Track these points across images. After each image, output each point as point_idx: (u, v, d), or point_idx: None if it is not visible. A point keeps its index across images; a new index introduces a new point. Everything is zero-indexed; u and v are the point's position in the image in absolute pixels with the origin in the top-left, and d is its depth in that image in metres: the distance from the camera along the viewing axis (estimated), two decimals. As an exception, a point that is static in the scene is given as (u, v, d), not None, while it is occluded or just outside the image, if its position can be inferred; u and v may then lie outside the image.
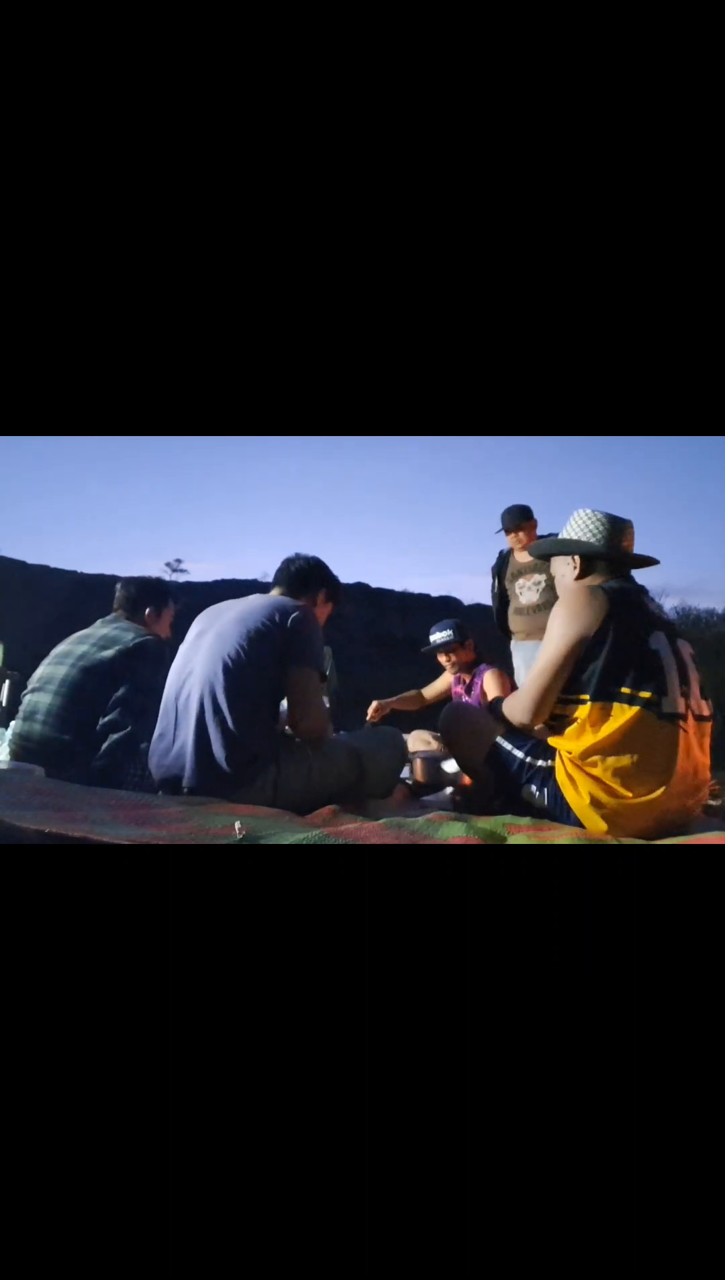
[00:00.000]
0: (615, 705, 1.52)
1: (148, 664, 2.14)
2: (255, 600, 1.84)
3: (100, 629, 2.27)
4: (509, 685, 3.14)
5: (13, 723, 2.23)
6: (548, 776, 1.62)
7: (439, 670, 3.36)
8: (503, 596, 3.85)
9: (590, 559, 1.70)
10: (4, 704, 3.35)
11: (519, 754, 1.69)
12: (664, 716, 1.51)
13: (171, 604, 2.42)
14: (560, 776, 1.59)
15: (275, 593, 1.93)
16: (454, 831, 1.35)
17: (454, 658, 3.25)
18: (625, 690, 1.52)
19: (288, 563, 1.97)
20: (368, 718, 3.07)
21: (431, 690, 3.36)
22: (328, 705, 1.98)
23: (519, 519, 3.66)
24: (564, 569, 1.75)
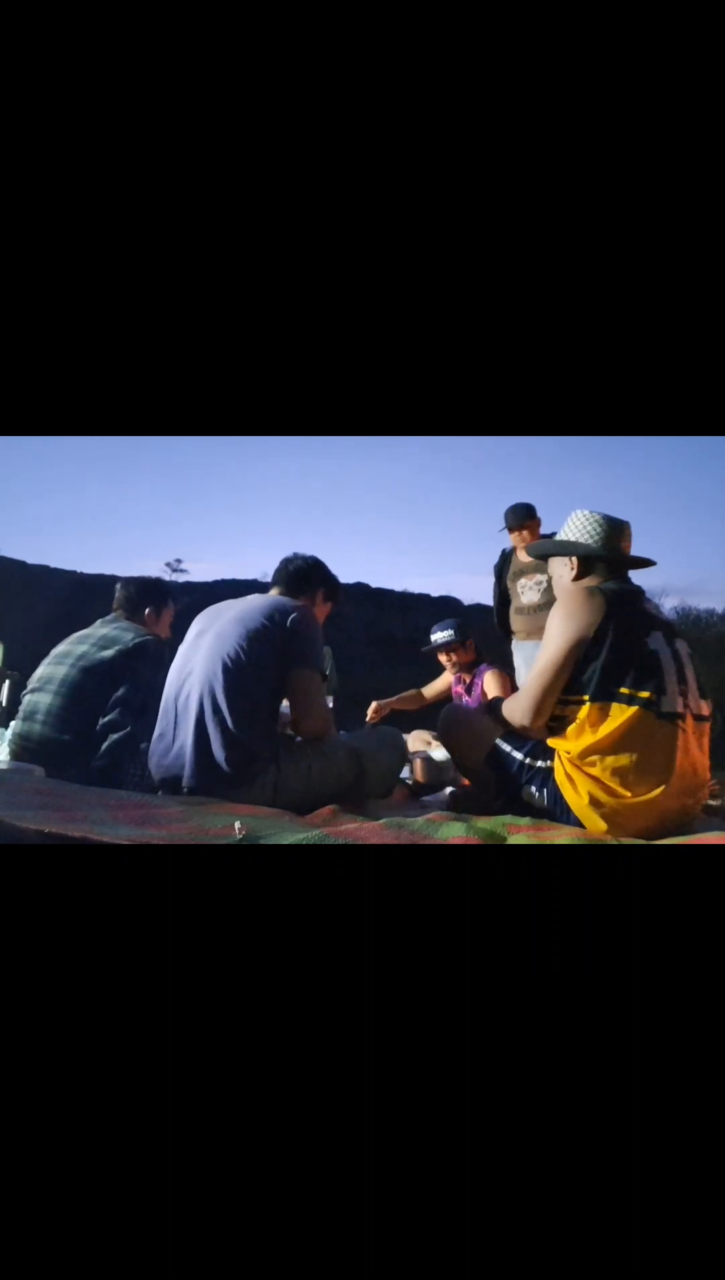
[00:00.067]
0: (614, 705, 1.52)
1: (147, 664, 2.14)
2: (254, 600, 1.84)
3: (100, 629, 2.27)
4: (509, 685, 3.14)
5: (13, 723, 2.23)
6: (547, 777, 1.62)
7: (439, 670, 3.36)
8: (504, 596, 3.85)
9: (588, 560, 1.71)
10: (4, 704, 3.35)
11: (518, 755, 1.69)
12: (663, 716, 1.52)
13: (171, 604, 2.42)
14: (559, 777, 1.59)
15: (274, 592, 1.93)
16: (454, 831, 1.35)
17: (454, 657, 3.25)
18: (624, 690, 1.52)
19: (286, 562, 1.97)
20: (367, 718, 3.07)
21: (431, 690, 3.35)
22: (331, 705, 1.98)
23: (522, 518, 3.65)
24: (562, 570, 1.75)
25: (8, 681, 3.40)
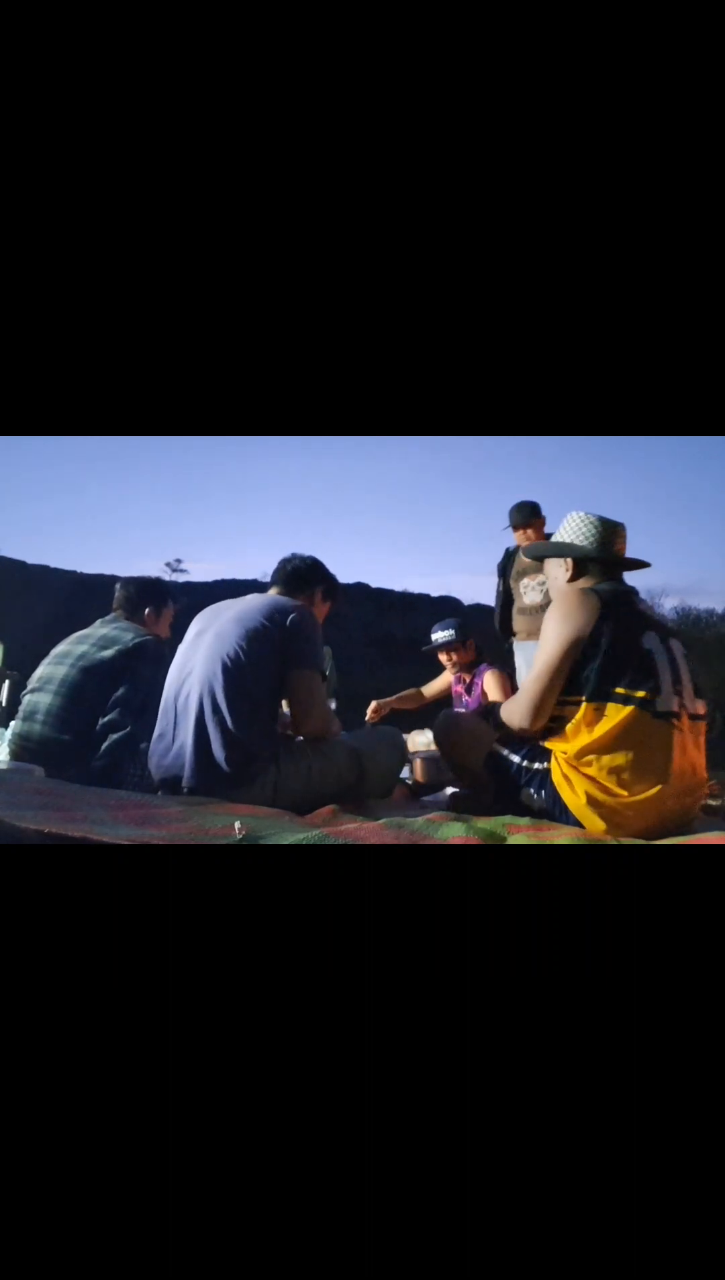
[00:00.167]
0: (610, 705, 1.53)
1: (147, 664, 2.14)
2: (254, 600, 1.84)
3: (100, 629, 2.27)
4: (509, 685, 3.14)
5: (13, 723, 2.23)
6: (545, 778, 1.63)
7: (439, 669, 3.36)
8: (507, 595, 3.83)
9: (582, 561, 1.72)
10: (4, 704, 3.35)
11: (515, 758, 1.70)
12: (659, 715, 1.52)
13: (171, 604, 2.42)
14: (557, 778, 1.60)
15: (273, 592, 1.93)
16: (454, 831, 1.35)
17: (455, 657, 3.25)
18: (620, 690, 1.53)
19: (284, 562, 1.98)
20: (367, 717, 3.07)
21: (431, 689, 3.36)
22: (333, 705, 1.98)
23: (527, 516, 3.63)
24: (557, 572, 1.76)
25: (8, 681, 3.41)
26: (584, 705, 1.55)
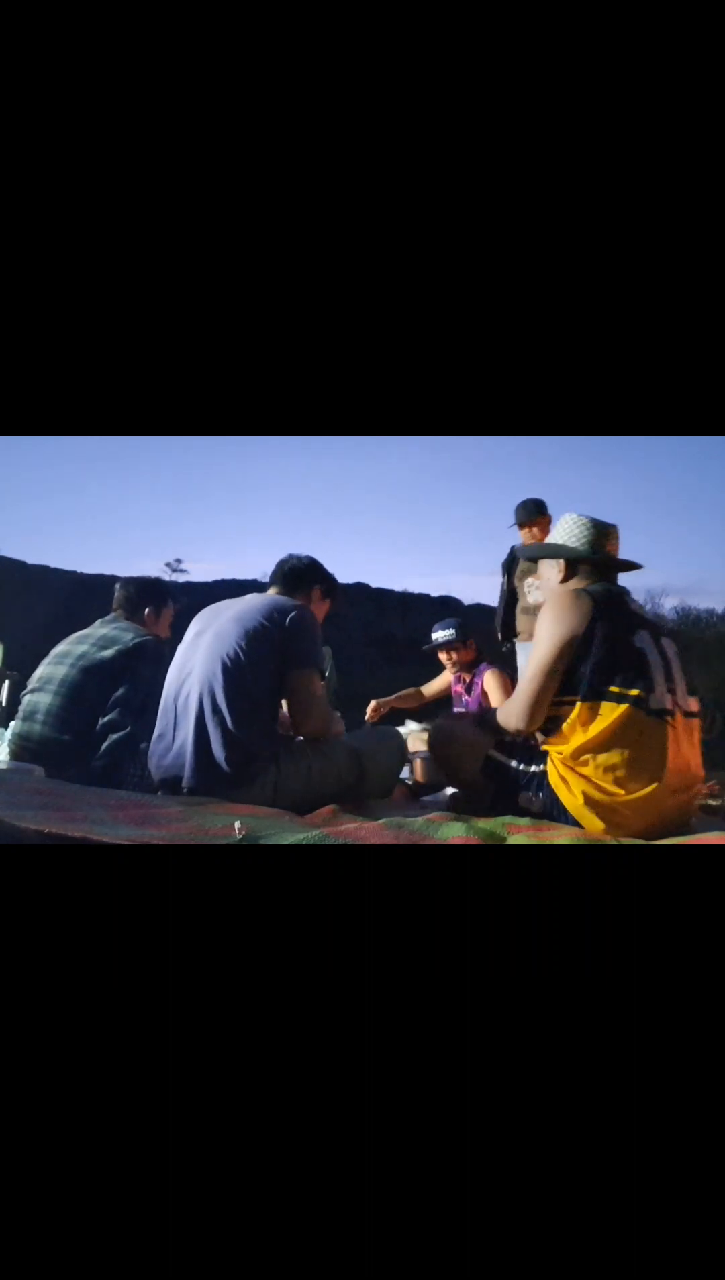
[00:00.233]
0: (604, 704, 1.54)
1: (147, 664, 2.14)
2: (253, 600, 1.84)
3: (100, 629, 2.27)
4: (510, 684, 3.14)
5: (12, 723, 2.23)
6: (542, 780, 1.64)
7: (438, 669, 3.36)
8: (512, 594, 3.81)
9: (574, 563, 1.74)
10: (4, 704, 3.35)
11: (512, 762, 1.71)
12: (652, 713, 1.54)
13: (171, 604, 2.42)
14: (554, 779, 1.61)
15: (272, 592, 1.94)
16: (454, 831, 1.35)
17: (455, 656, 3.25)
18: (614, 689, 1.54)
19: (282, 562, 1.98)
20: (367, 717, 3.07)
21: (430, 688, 3.36)
22: (333, 709, 1.98)
23: (532, 513, 3.60)
24: (550, 573, 1.78)
25: (8, 681, 3.41)
26: (579, 705, 1.56)
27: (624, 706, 1.52)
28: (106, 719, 2.10)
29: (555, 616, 1.61)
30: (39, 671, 2.23)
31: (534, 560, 1.87)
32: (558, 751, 1.60)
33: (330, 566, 2.02)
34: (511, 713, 1.68)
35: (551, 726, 1.64)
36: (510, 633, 3.83)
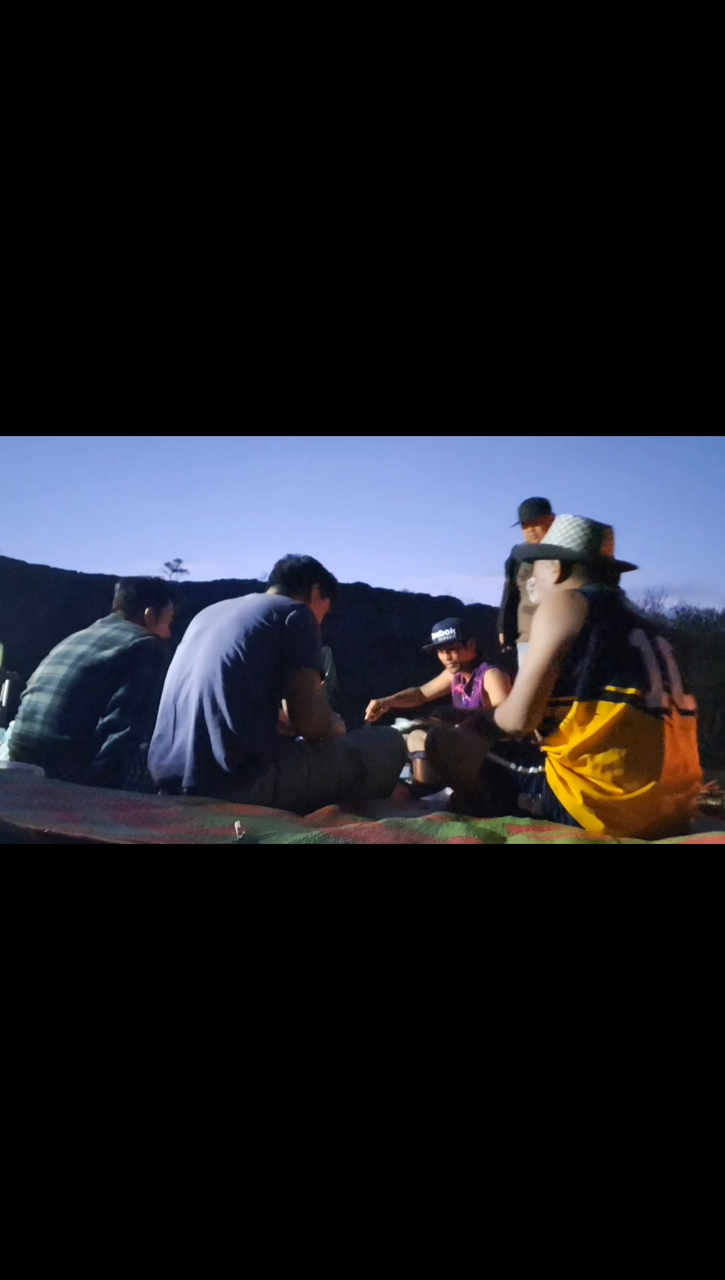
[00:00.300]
0: (601, 703, 1.55)
1: (147, 664, 2.14)
2: (252, 600, 1.84)
3: (100, 629, 2.27)
4: (510, 684, 3.14)
5: (12, 723, 2.23)
6: (541, 782, 1.64)
7: (438, 669, 3.36)
8: (514, 595, 3.80)
9: (569, 564, 1.75)
10: (4, 704, 3.35)
11: (509, 765, 1.72)
12: (649, 711, 1.54)
13: (171, 604, 2.42)
14: (552, 779, 1.61)
15: (271, 592, 1.94)
16: (454, 831, 1.35)
17: (455, 656, 3.25)
18: (610, 689, 1.55)
19: (281, 562, 1.99)
20: (366, 717, 3.07)
21: (430, 688, 3.35)
22: (333, 709, 1.98)
23: (536, 512, 3.58)
24: (545, 574, 1.79)
25: (8, 681, 3.41)
26: (576, 705, 1.57)
27: (621, 705, 1.53)
28: (106, 719, 2.10)
29: (550, 617, 1.62)
30: (39, 671, 2.24)
31: (530, 561, 1.88)
32: (555, 752, 1.61)
33: (330, 566, 2.02)
34: (508, 714, 1.68)
35: (549, 727, 1.64)
36: (513, 634, 3.82)
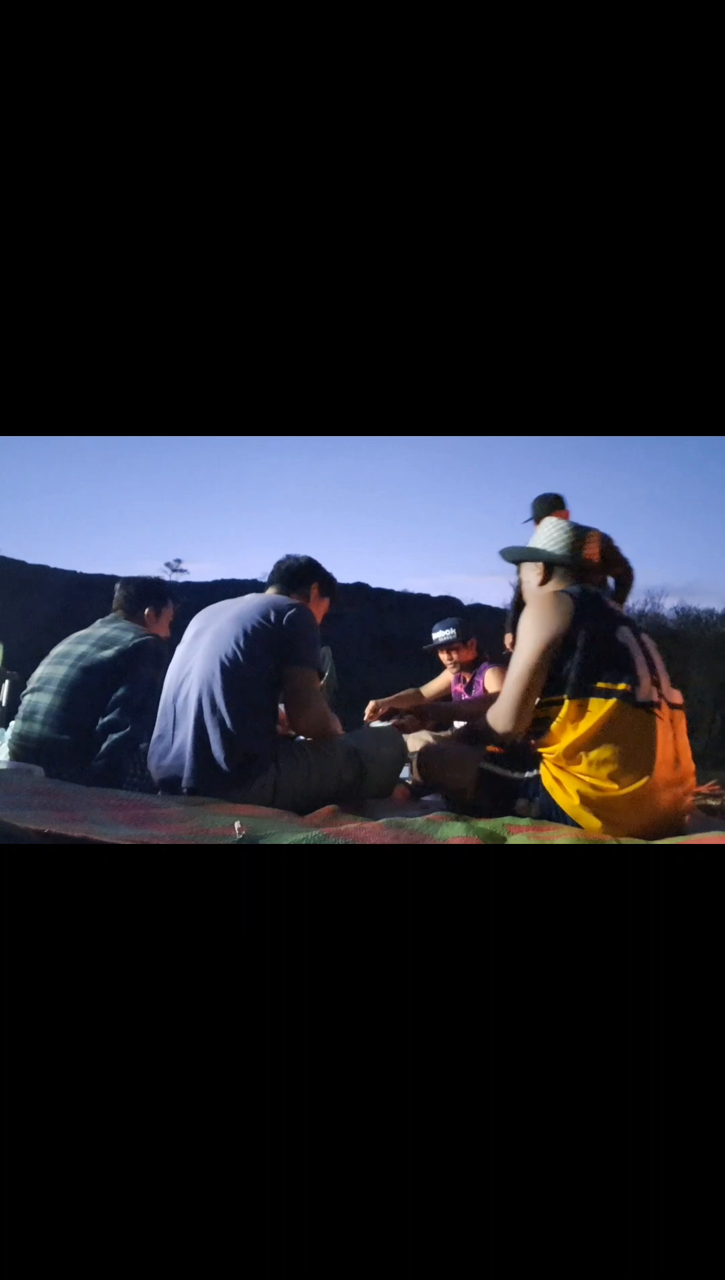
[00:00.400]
0: (593, 700, 1.57)
1: (147, 664, 2.14)
2: (251, 599, 1.84)
3: (100, 629, 2.27)
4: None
5: (12, 723, 2.23)
6: (536, 785, 1.65)
7: (438, 669, 3.36)
8: (522, 596, 3.77)
9: (552, 566, 1.78)
10: (4, 704, 3.35)
11: (505, 772, 1.72)
12: (639, 705, 1.56)
13: (171, 604, 2.42)
14: (548, 781, 1.61)
15: (270, 591, 1.94)
16: (454, 831, 1.35)
17: (456, 656, 3.25)
18: (602, 685, 1.57)
19: (281, 562, 1.99)
20: (366, 718, 3.07)
21: (430, 689, 3.35)
22: (333, 708, 1.98)
23: (550, 508, 3.55)
24: (530, 576, 1.83)
25: (8, 681, 3.41)
26: (567, 703, 1.58)
27: (612, 701, 1.55)
28: (106, 719, 2.10)
29: (536, 618, 1.64)
30: (39, 671, 2.24)
31: (517, 563, 1.91)
32: (549, 753, 1.62)
33: (330, 566, 2.02)
34: (498, 715, 1.70)
35: (541, 729, 1.65)
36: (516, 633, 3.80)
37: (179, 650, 1.85)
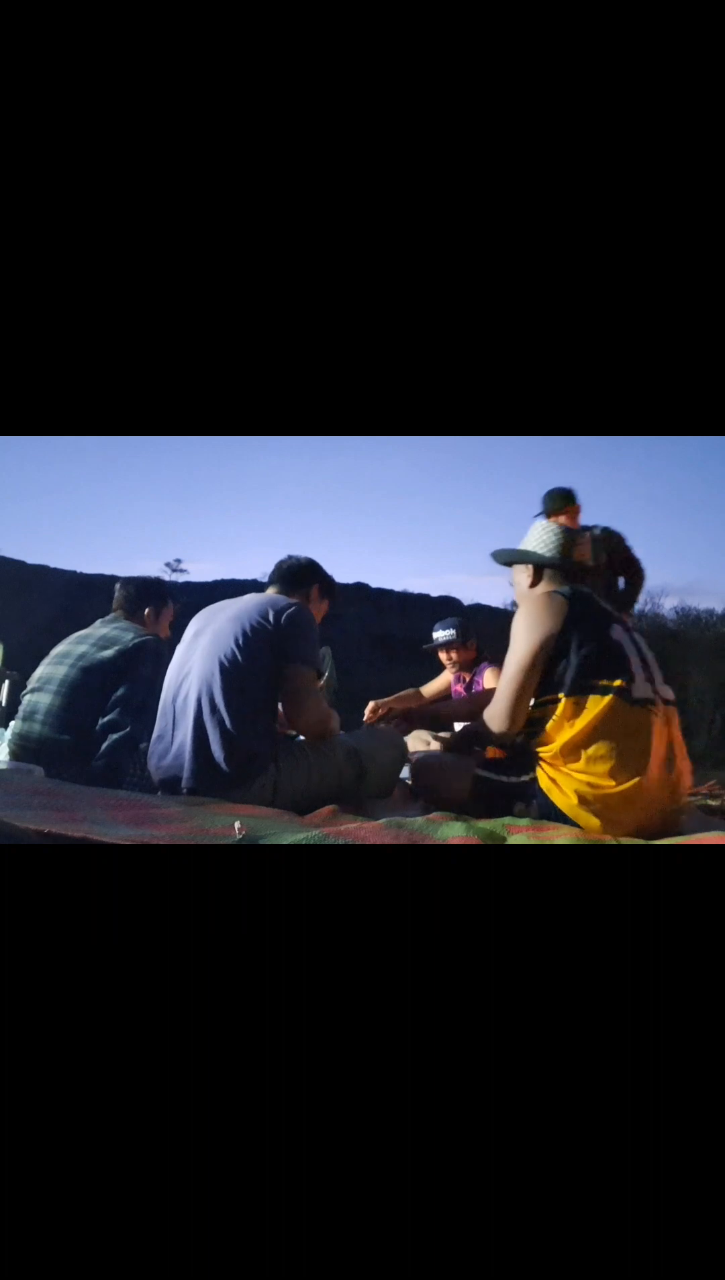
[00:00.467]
0: (589, 698, 1.57)
1: (147, 664, 2.14)
2: (250, 599, 1.84)
3: (100, 629, 2.27)
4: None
5: (12, 723, 2.23)
6: (533, 788, 1.65)
7: (438, 670, 3.36)
8: None
9: (541, 568, 1.79)
10: (4, 704, 3.35)
11: (500, 778, 1.73)
12: (634, 702, 1.57)
13: (171, 604, 2.42)
14: (544, 782, 1.62)
15: (270, 591, 1.94)
16: (454, 831, 1.35)
17: (455, 656, 3.25)
18: (597, 683, 1.58)
19: (281, 563, 1.99)
20: (365, 718, 3.07)
21: (430, 689, 3.35)
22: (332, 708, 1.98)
23: (561, 503, 3.50)
24: (520, 578, 1.84)
25: (7, 681, 3.41)
26: (564, 701, 1.59)
27: (609, 698, 1.56)
28: (106, 719, 2.10)
29: (528, 619, 1.66)
30: (39, 671, 2.24)
31: (508, 565, 1.92)
32: (547, 752, 1.62)
33: (330, 567, 2.03)
34: (494, 716, 1.70)
35: (536, 729, 1.66)
36: None
37: (178, 650, 1.85)
